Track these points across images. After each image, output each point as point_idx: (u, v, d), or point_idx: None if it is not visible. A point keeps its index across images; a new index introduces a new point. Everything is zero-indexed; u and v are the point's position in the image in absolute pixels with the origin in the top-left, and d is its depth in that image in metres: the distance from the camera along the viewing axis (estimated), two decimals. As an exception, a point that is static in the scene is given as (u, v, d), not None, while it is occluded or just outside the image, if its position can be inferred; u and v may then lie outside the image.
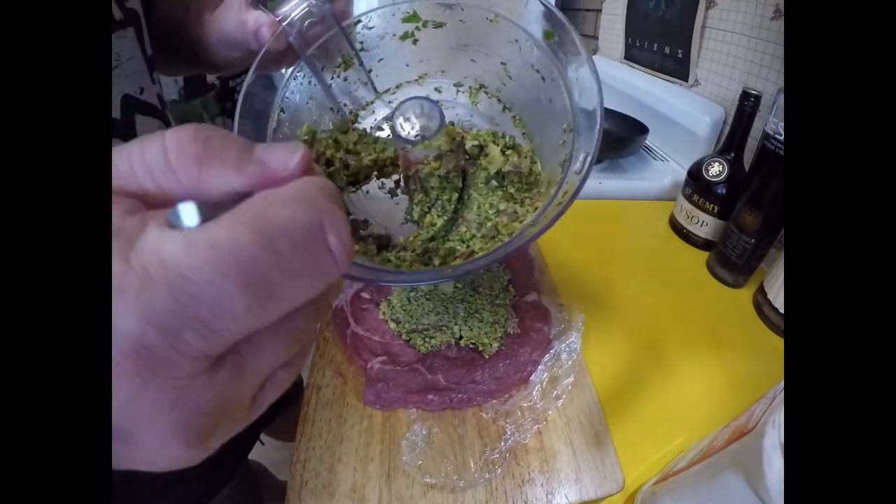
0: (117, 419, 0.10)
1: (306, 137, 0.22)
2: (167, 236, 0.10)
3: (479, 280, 0.49)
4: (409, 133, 0.24)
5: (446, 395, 0.37)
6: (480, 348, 0.41)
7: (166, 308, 0.10)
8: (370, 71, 0.30)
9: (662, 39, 0.85)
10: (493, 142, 0.26)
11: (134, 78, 0.31)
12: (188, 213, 0.11)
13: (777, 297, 0.47)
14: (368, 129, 0.26)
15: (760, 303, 0.50)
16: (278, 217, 0.11)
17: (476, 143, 0.26)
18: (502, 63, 0.28)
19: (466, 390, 0.38)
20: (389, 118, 0.26)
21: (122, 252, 0.10)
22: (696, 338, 0.47)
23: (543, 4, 0.25)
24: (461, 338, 0.42)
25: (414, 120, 0.24)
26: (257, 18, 0.27)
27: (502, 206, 0.26)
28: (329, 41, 0.28)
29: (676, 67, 0.82)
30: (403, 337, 0.43)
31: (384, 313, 0.45)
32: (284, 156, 0.13)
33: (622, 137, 0.78)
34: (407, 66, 0.29)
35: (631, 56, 0.98)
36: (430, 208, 0.27)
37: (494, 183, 0.26)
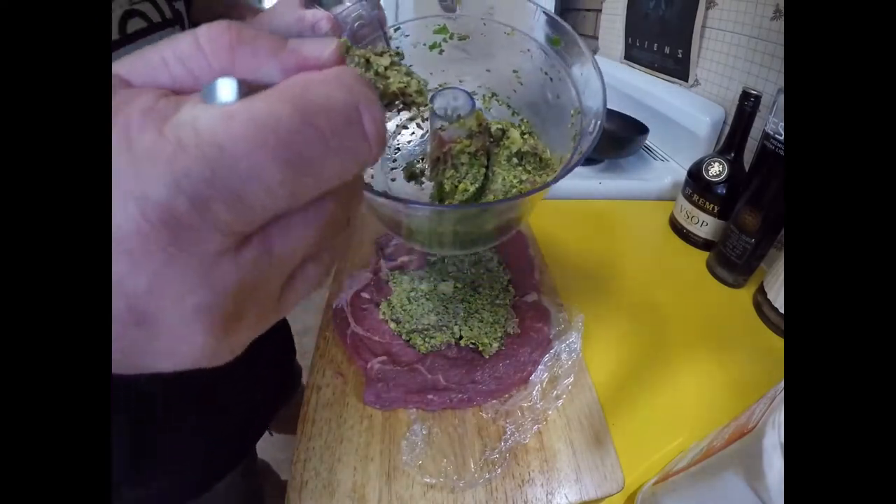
0: (141, 302, 0.10)
1: (339, 50, 0.23)
2: (204, 110, 0.10)
3: (479, 280, 0.49)
4: (447, 112, 0.27)
5: (446, 395, 0.37)
6: (480, 348, 0.41)
7: (199, 177, 0.09)
8: None
9: (662, 39, 0.85)
10: (513, 127, 0.30)
11: None
12: (226, 89, 0.10)
13: (777, 297, 0.47)
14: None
15: (760, 303, 0.50)
16: (318, 95, 0.11)
17: (500, 126, 0.30)
18: (514, 71, 0.32)
19: (466, 390, 0.38)
20: (415, 115, 0.30)
21: (154, 126, 0.10)
22: (696, 338, 0.47)
23: (549, 16, 0.28)
24: (461, 338, 0.42)
25: (449, 102, 0.27)
26: (315, 13, 0.29)
27: (524, 178, 0.30)
28: (373, 43, 0.30)
29: (676, 67, 0.82)
30: (403, 337, 0.43)
31: (384, 313, 0.45)
32: (318, 46, 0.13)
33: (622, 137, 0.78)
34: (431, 74, 0.31)
35: (631, 56, 0.98)
36: (459, 182, 0.30)
37: (515, 160, 0.30)
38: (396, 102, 0.24)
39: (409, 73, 0.23)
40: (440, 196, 0.31)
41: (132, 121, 0.10)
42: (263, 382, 0.53)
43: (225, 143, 0.09)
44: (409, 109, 0.24)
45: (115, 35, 0.28)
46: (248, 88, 0.11)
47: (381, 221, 0.31)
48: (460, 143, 0.28)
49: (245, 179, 0.10)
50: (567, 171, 0.24)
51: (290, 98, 0.10)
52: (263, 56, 0.12)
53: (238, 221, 0.10)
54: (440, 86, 0.31)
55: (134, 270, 0.10)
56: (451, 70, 0.32)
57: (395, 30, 0.32)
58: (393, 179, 0.32)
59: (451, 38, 0.31)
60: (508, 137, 0.30)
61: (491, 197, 0.30)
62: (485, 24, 0.30)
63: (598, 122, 0.24)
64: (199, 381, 0.40)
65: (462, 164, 0.29)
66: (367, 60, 0.23)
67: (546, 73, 0.31)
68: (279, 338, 0.62)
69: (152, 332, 0.11)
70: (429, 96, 0.27)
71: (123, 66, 0.12)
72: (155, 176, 0.09)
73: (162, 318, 0.10)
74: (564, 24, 0.28)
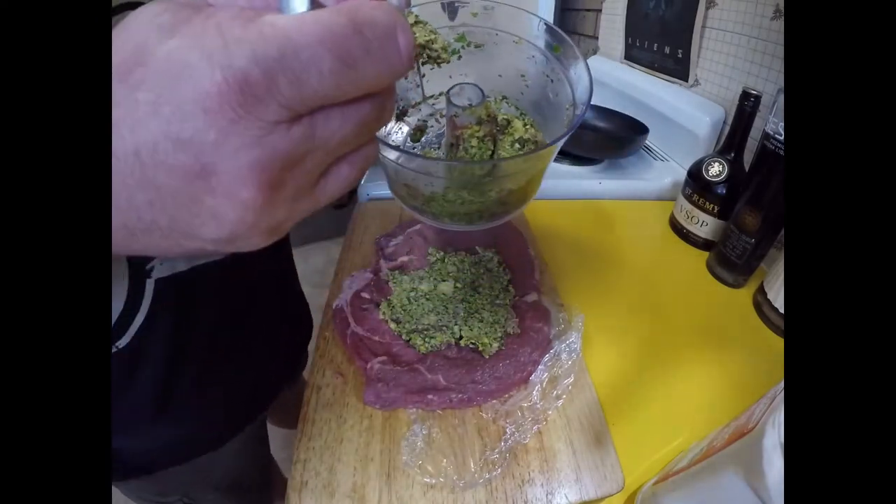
0: (206, 153, 0.13)
1: None
2: (280, 17, 0.13)
3: (479, 280, 0.49)
4: (461, 102, 0.32)
5: (446, 395, 0.37)
6: (480, 348, 0.41)
7: (273, 56, 0.12)
8: (423, 76, 0.38)
9: (662, 39, 0.85)
10: (517, 119, 0.36)
11: None
12: (299, 2, 0.14)
13: (777, 297, 0.47)
14: (417, 116, 0.34)
15: (760, 303, 0.50)
16: (367, 13, 0.14)
17: (505, 117, 0.36)
18: (522, 75, 0.37)
19: (466, 390, 0.38)
20: (428, 110, 0.37)
21: (242, 22, 0.13)
22: (696, 338, 0.47)
23: (548, 26, 0.34)
24: (461, 338, 0.42)
25: (463, 95, 0.32)
26: None
27: None
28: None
29: (676, 67, 0.82)
30: (403, 337, 0.43)
31: (384, 313, 0.45)
32: None
33: (622, 137, 0.78)
34: (450, 77, 0.35)
35: (631, 56, 0.98)
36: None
37: (517, 146, 0.35)
38: (423, 54, 0.27)
39: (433, 32, 0.26)
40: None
41: (222, 21, 0.13)
42: (277, 355, 0.56)
43: (294, 35, 0.12)
44: (436, 64, 0.27)
45: None
46: (315, 4, 0.14)
47: (397, 194, 0.36)
48: (471, 129, 0.33)
49: (305, 63, 0.13)
50: (563, 137, 0.29)
51: (347, 12, 0.13)
52: None
53: (295, 97, 0.13)
54: (449, 90, 0.34)
55: (206, 126, 0.12)
56: (470, 74, 0.37)
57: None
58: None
59: (468, 45, 0.36)
60: (512, 126, 0.35)
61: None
62: (497, 34, 0.36)
63: (586, 105, 0.30)
64: (222, 343, 0.43)
65: (472, 146, 0.33)
66: None
67: (547, 76, 0.35)
68: (298, 320, 0.65)
69: (209, 184, 0.13)
70: (447, 90, 0.33)
71: None
72: (240, 52, 0.12)
73: (221, 168, 0.13)
74: (561, 32, 0.33)
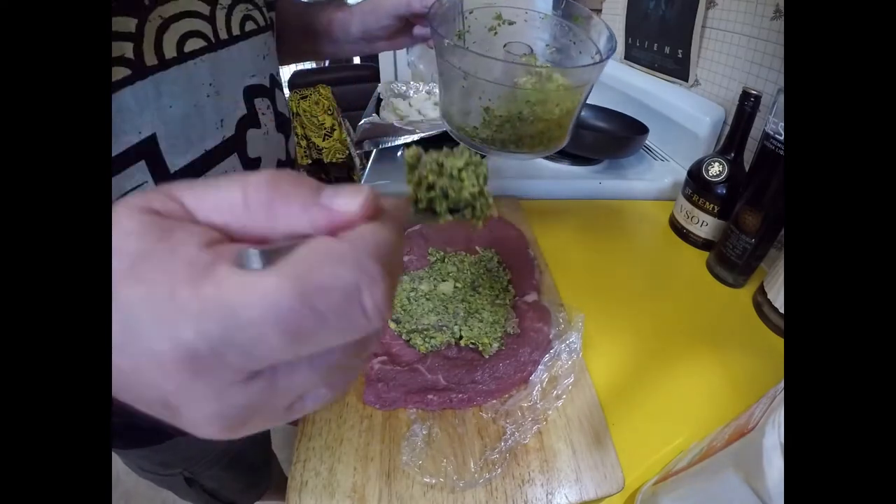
0: (170, 398, 0.13)
1: (411, 160, 0.25)
2: (230, 275, 0.12)
3: (479, 280, 0.49)
4: (518, 51, 0.42)
5: (446, 395, 0.37)
6: (480, 348, 0.41)
7: (216, 333, 0.12)
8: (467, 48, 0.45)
9: (662, 39, 0.85)
10: (556, 71, 0.42)
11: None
12: (252, 258, 0.12)
13: (777, 297, 0.47)
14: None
15: (760, 303, 0.50)
16: (321, 275, 0.12)
17: (548, 68, 0.41)
18: (547, 45, 0.44)
19: (466, 390, 0.38)
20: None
21: (192, 281, 0.12)
22: (696, 338, 0.47)
23: (569, 2, 0.42)
24: (461, 338, 0.42)
25: (516, 49, 0.42)
26: None
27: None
28: (452, 21, 0.43)
29: (676, 67, 0.82)
30: (403, 337, 0.43)
31: (384, 313, 0.45)
32: (348, 201, 0.14)
33: (622, 137, 0.78)
34: (488, 50, 0.43)
35: (631, 56, 0.98)
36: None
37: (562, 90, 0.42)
38: (465, 209, 0.26)
39: (483, 176, 0.26)
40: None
41: (178, 273, 0.12)
42: None
43: (238, 310, 0.12)
44: (482, 215, 0.26)
45: (225, 35, 0.33)
46: (273, 255, 0.12)
47: (458, 123, 0.42)
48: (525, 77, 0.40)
49: (251, 340, 0.12)
50: (604, 61, 0.38)
51: (295, 277, 0.12)
52: (296, 212, 0.14)
53: (245, 365, 0.13)
54: (505, 45, 0.43)
55: (165, 379, 0.12)
56: (503, 46, 0.44)
57: (470, 13, 0.43)
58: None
59: (503, 23, 0.43)
60: (553, 75, 0.41)
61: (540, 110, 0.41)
62: (526, 12, 0.43)
63: (612, 49, 0.40)
64: None
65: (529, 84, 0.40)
66: (441, 165, 0.24)
67: (572, 41, 0.43)
68: None
69: (175, 416, 0.13)
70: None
71: (194, 195, 0.14)
72: (185, 324, 0.12)
73: (184, 412, 0.13)
74: (580, 5, 0.42)
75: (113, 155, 0.26)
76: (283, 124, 0.43)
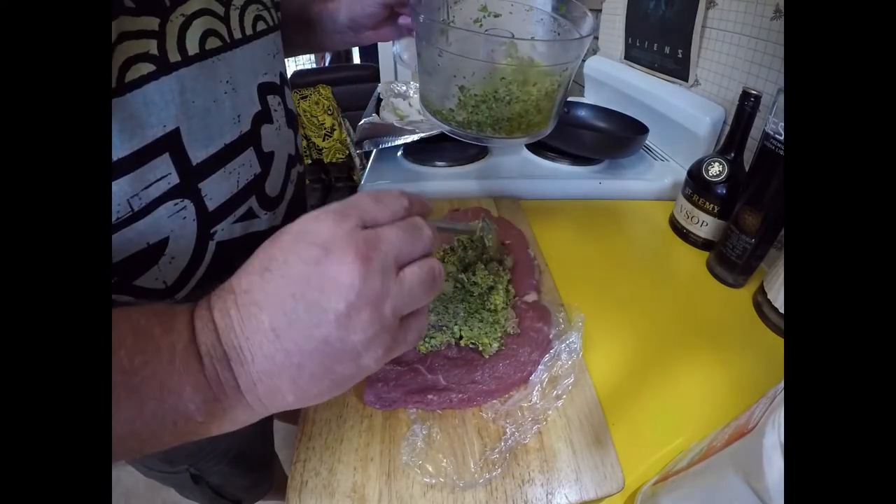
0: (325, 242, 0.21)
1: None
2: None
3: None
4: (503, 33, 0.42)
5: (446, 395, 0.37)
6: (480, 348, 0.41)
7: (349, 202, 0.24)
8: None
9: (662, 39, 0.85)
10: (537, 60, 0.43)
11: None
12: None
13: (777, 297, 0.47)
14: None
15: (760, 303, 0.50)
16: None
17: (528, 56, 0.41)
18: (532, 38, 0.45)
19: (466, 390, 0.38)
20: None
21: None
22: (696, 338, 0.47)
23: None
24: (461, 338, 0.42)
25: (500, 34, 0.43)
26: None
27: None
28: (438, 10, 0.44)
29: (676, 67, 0.82)
30: (403, 337, 0.43)
31: (384, 313, 0.45)
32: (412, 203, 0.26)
33: (622, 137, 0.78)
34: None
35: (631, 56, 0.98)
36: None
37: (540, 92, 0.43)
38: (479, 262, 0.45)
39: (483, 243, 0.35)
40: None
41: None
42: None
43: (358, 197, 0.25)
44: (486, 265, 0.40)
45: (239, 34, 0.35)
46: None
47: (437, 110, 0.43)
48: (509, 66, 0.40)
49: (360, 203, 0.24)
50: (586, 37, 0.38)
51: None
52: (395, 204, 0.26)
53: (360, 217, 0.23)
54: (486, 30, 0.43)
55: (318, 228, 0.22)
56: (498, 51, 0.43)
57: (455, 2, 0.44)
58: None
59: (488, 14, 0.43)
60: (528, 53, 0.41)
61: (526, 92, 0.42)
62: (512, 4, 0.44)
63: (593, 26, 0.41)
64: None
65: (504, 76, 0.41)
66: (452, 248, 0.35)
67: (556, 32, 0.44)
68: None
69: (329, 257, 0.21)
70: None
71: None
72: (336, 205, 0.24)
73: (334, 248, 0.21)
74: None
75: (139, 147, 0.27)
76: (292, 120, 0.44)
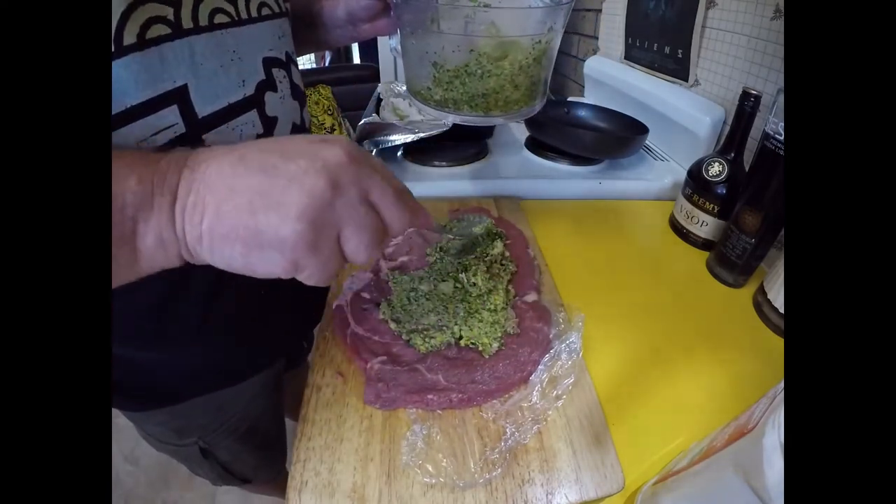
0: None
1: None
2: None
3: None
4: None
5: (446, 395, 0.37)
6: (480, 348, 0.41)
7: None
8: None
9: (662, 39, 0.85)
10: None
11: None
12: None
13: (777, 297, 0.47)
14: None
15: (760, 303, 0.50)
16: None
17: (512, 40, 0.40)
18: (480, 3, 0.42)
19: (466, 390, 0.38)
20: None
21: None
22: (696, 338, 0.47)
23: None
24: (461, 338, 0.42)
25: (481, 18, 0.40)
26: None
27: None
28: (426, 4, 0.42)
29: (676, 67, 0.82)
30: (403, 337, 0.43)
31: (384, 313, 0.45)
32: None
33: (622, 137, 0.78)
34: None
35: (631, 56, 0.98)
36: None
37: (518, 68, 0.42)
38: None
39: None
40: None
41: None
42: (300, 307, 0.59)
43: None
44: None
45: (245, 15, 0.37)
46: None
47: (417, 90, 0.42)
48: (487, 46, 0.40)
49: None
50: (566, 3, 0.39)
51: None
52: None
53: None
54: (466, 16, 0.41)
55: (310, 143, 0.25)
56: (477, 30, 0.42)
57: None
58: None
59: (478, 4, 0.42)
60: (517, 44, 0.41)
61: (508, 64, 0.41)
62: None
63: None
64: (258, 290, 0.46)
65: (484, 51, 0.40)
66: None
67: (545, 23, 0.42)
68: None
69: (321, 146, 0.25)
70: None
71: None
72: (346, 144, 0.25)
73: (323, 153, 0.24)
74: None
75: (151, 97, 0.30)
76: (299, 94, 0.46)
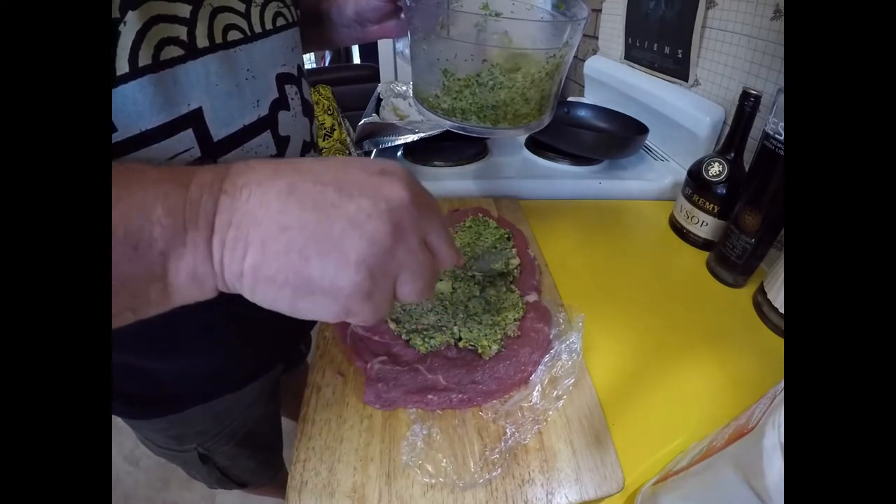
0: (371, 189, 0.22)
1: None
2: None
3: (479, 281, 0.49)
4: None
5: (446, 395, 0.37)
6: (479, 350, 0.41)
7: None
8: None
9: (662, 39, 0.85)
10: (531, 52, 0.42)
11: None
12: None
13: (777, 297, 0.47)
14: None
15: (760, 303, 0.50)
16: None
17: (522, 51, 0.41)
18: (493, 13, 0.43)
19: (466, 390, 0.38)
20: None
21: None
22: (696, 338, 0.47)
23: None
24: (460, 339, 0.42)
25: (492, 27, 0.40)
26: None
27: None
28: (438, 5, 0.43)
29: (676, 67, 0.82)
30: (403, 337, 0.43)
31: (384, 313, 0.45)
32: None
33: (622, 137, 0.78)
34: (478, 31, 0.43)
35: (631, 56, 0.98)
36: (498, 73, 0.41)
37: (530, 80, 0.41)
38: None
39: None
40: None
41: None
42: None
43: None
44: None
45: (259, 29, 0.36)
46: None
47: (426, 98, 0.42)
48: (500, 58, 0.40)
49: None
50: (582, 20, 0.38)
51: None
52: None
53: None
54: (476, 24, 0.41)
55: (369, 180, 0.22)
56: (490, 39, 0.42)
57: (456, 0, 0.44)
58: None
59: (490, 14, 0.42)
60: (528, 58, 0.40)
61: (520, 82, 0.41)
62: (514, 3, 0.42)
63: (584, 13, 0.39)
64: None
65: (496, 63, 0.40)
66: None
67: (553, 35, 0.42)
68: None
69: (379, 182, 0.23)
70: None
71: None
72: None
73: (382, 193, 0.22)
74: None
75: (166, 121, 0.29)
76: (309, 110, 0.46)
